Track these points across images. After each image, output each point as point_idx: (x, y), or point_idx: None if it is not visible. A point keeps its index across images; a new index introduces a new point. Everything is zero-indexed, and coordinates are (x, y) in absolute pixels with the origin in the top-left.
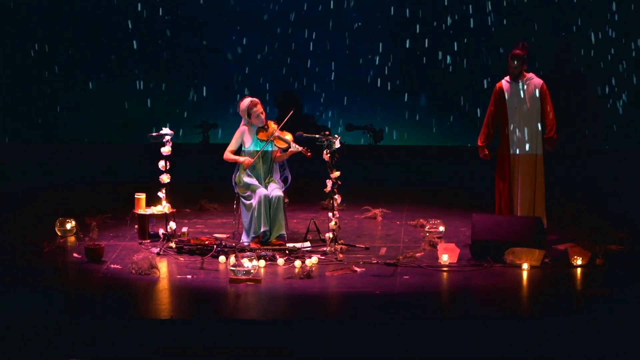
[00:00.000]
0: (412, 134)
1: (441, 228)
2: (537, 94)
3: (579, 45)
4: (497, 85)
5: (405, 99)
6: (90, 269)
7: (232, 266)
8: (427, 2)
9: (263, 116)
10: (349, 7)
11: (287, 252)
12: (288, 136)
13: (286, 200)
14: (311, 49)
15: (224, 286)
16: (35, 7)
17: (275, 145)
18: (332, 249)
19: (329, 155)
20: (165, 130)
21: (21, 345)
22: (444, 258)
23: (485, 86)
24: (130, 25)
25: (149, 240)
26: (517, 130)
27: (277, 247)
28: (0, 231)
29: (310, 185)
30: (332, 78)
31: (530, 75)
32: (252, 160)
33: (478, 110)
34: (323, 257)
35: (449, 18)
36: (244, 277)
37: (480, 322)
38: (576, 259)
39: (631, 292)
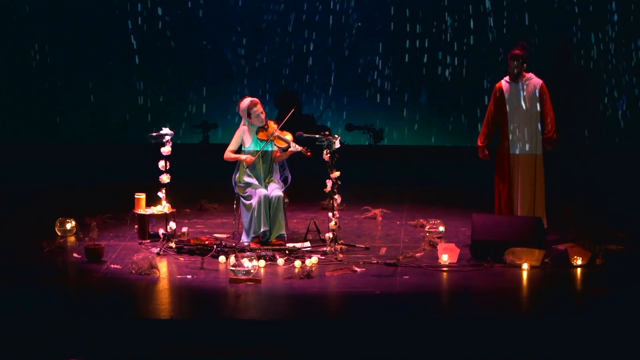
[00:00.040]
0: (412, 134)
1: (441, 228)
2: (537, 94)
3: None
4: (497, 85)
5: (405, 99)
6: (90, 269)
7: (232, 266)
8: (427, 2)
9: (263, 116)
10: (349, 7)
11: (287, 252)
12: (288, 136)
13: (286, 200)
14: (311, 48)
15: (224, 286)
16: (35, 7)
17: (275, 145)
18: (332, 249)
19: (329, 155)
20: (165, 130)
21: (21, 345)
22: (444, 258)
23: (485, 86)
24: (130, 25)
25: (149, 240)
26: (516, 130)
27: (277, 247)
28: (0, 231)
29: (310, 185)
30: (332, 78)
31: (530, 75)
32: (253, 158)
33: (478, 110)
34: (323, 257)
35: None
36: (244, 277)
37: (480, 322)
38: (576, 259)
39: (631, 292)
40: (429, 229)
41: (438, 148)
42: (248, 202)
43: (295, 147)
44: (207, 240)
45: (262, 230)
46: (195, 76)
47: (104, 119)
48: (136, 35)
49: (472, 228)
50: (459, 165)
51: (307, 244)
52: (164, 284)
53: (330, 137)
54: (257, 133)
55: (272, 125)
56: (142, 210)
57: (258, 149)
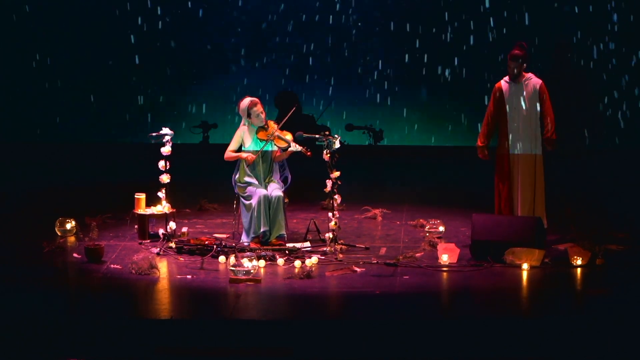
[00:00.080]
0: (412, 134)
1: (441, 228)
2: (536, 94)
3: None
4: (496, 85)
5: (406, 99)
6: (90, 269)
7: (232, 266)
8: (427, 2)
9: (263, 116)
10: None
11: (287, 252)
12: (288, 136)
13: (286, 200)
14: (311, 48)
15: (224, 286)
16: (35, 6)
17: (275, 144)
18: (332, 249)
19: (329, 155)
20: (165, 130)
21: (21, 345)
22: (444, 258)
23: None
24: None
25: (148, 240)
26: (516, 130)
27: (277, 247)
28: (0, 231)
29: (310, 185)
30: (332, 78)
31: (530, 75)
32: (254, 156)
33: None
34: (323, 257)
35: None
36: (244, 277)
37: (480, 322)
38: (576, 259)
39: (631, 292)
40: (429, 229)
41: (438, 148)
42: (248, 202)
43: (295, 147)
44: (207, 240)
45: (262, 230)
46: (195, 76)
47: (104, 119)
48: (136, 35)
49: (472, 228)
50: (459, 165)
51: (307, 244)
52: (164, 284)
53: (330, 137)
54: (257, 133)
55: (272, 125)
56: (142, 210)
57: (258, 148)
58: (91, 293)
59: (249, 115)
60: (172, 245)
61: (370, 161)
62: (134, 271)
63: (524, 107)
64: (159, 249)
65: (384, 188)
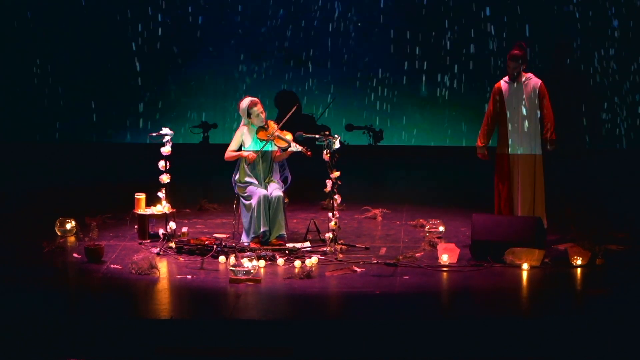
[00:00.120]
0: (412, 134)
1: (441, 228)
2: (536, 94)
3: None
4: (496, 85)
5: (406, 99)
6: (90, 269)
7: (232, 266)
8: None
9: (263, 115)
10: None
11: (287, 252)
12: (288, 136)
13: (286, 200)
14: (311, 48)
15: (224, 286)
16: (35, 7)
17: (275, 144)
18: (332, 249)
19: (328, 155)
20: (165, 130)
21: (21, 345)
22: (444, 258)
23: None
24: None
25: (148, 240)
26: (516, 131)
27: (277, 247)
28: (0, 231)
29: (310, 185)
30: (332, 78)
31: (529, 75)
32: (255, 154)
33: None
34: (323, 257)
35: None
36: (244, 277)
37: (480, 322)
38: (576, 259)
39: (631, 292)
40: (429, 229)
41: (438, 148)
42: (248, 202)
43: (295, 147)
44: (207, 240)
45: (261, 230)
46: (195, 76)
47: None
48: (136, 35)
49: (472, 228)
50: (459, 165)
51: (307, 244)
52: (164, 284)
53: (330, 137)
54: (257, 133)
55: (272, 125)
56: (142, 210)
57: (258, 148)
58: (91, 293)
59: (248, 115)
60: (172, 245)
61: (370, 161)
62: (134, 271)
63: (523, 107)
64: (159, 249)
65: (384, 188)
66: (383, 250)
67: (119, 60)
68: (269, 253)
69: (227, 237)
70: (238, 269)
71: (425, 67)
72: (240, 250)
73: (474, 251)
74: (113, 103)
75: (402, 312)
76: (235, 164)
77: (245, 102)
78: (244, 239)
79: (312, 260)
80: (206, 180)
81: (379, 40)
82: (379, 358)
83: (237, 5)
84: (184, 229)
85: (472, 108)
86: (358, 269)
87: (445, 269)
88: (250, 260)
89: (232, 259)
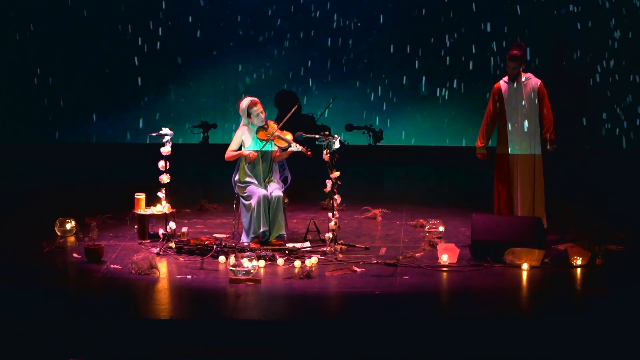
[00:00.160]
0: (412, 134)
1: (441, 228)
2: (535, 94)
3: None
4: (495, 85)
5: (406, 99)
6: (90, 269)
7: (232, 266)
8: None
9: (263, 115)
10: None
11: (286, 252)
12: (288, 136)
13: (286, 200)
14: (311, 48)
15: (223, 286)
16: (35, 6)
17: (275, 144)
18: (332, 249)
19: (328, 155)
20: (165, 130)
21: (21, 345)
22: (444, 258)
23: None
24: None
25: (148, 240)
26: (515, 131)
27: (277, 247)
28: (0, 231)
29: (310, 185)
30: (332, 78)
31: (528, 75)
32: (256, 153)
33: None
34: (323, 257)
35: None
36: (243, 277)
37: (480, 322)
38: (576, 259)
39: (631, 292)
40: (428, 229)
41: (438, 148)
42: (248, 202)
43: (295, 147)
44: (207, 240)
45: (261, 230)
46: (194, 76)
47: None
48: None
49: (472, 228)
50: (459, 165)
51: (307, 244)
52: (163, 284)
53: (330, 137)
54: (257, 133)
55: (272, 124)
56: (142, 210)
57: (258, 148)
58: (91, 293)
59: (248, 115)
60: (172, 245)
61: (370, 161)
62: (134, 271)
63: (523, 107)
64: (158, 249)
65: (384, 188)
66: (383, 250)
67: (119, 60)
68: (269, 253)
69: (227, 237)
70: (238, 269)
71: (425, 67)
72: (240, 250)
73: (474, 251)
74: (113, 103)
75: (402, 312)
76: (235, 164)
77: (245, 102)
78: (244, 239)
79: (312, 260)
80: (206, 180)
81: (379, 40)
82: (379, 358)
83: (237, 5)
84: (184, 229)
85: (472, 108)
86: (358, 269)
87: (445, 269)
88: (250, 260)
89: (232, 259)
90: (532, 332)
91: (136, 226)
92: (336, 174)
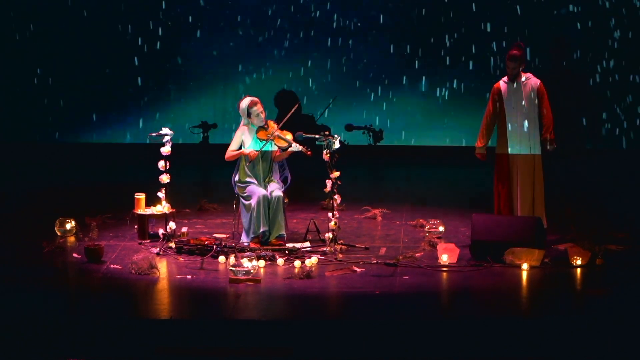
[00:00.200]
0: (412, 133)
1: (441, 228)
2: (535, 94)
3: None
4: (495, 85)
5: (405, 99)
6: (90, 269)
7: (232, 266)
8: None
9: (263, 115)
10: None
11: (286, 252)
12: (288, 136)
13: (286, 200)
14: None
15: (223, 286)
16: (35, 6)
17: (275, 144)
18: (332, 249)
19: (328, 155)
20: (165, 130)
21: (21, 345)
22: (444, 258)
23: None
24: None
25: (148, 241)
26: (515, 131)
27: (277, 247)
28: (0, 231)
29: (310, 185)
30: (332, 78)
31: (528, 75)
32: (257, 152)
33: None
34: (323, 257)
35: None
36: (243, 277)
37: (480, 322)
38: (576, 259)
39: (631, 292)
40: (428, 229)
41: (438, 148)
42: (247, 202)
43: (295, 147)
44: (206, 240)
45: (261, 230)
46: (194, 76)
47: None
48: (136, 35)
49: (472, 228)
50: (459, 165)
51: (307, 244)
52: (163, 284)
53: (330, 137)
54: (257, 132)
55: (272, 124)
56: (142, 210)
57: (258, 148)
58: (91, 293)
59: (248, 115)
60: (172, 245)
61: (370, 161)
62: (133, 271)
63: (522, 107)
64: (158, 249)
65: (384, 188)
66: (383, 250)
67: (119, 60)
68: (269, 253)
69: (227, 237)
70: (238, 269)
71: (425, 67)
72: (240, 250)
73: (474, 251)
74: (113, 103)
75: (402, 312)
76: (235, 163)
77: (245, 101)
78: (244, 239)
79: (311, 260)
80: (206, 180)
81: (378, 40)
82: (379, 358)
83: (237, 5)
84: (184, 229)
85: (472, 108)
86: (358, 269)
87: (445, 269)
88: (250, 260)
89: (232, 259)
90: (532, 332)
91: (136, 226)
92: (336, 174)
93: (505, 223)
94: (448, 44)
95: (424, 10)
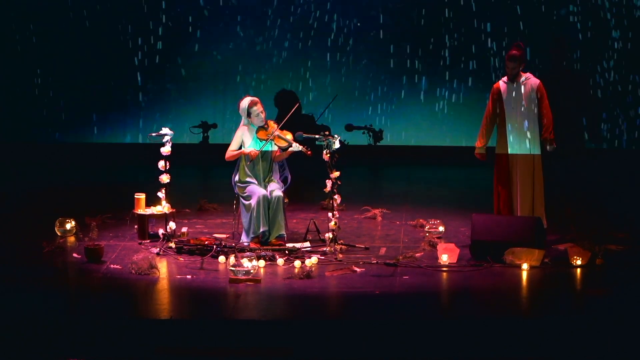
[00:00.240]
0: (412, 133)
1: (441, 228)
2: (534, 94)
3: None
4: (495, 86)
5: (405, 99)
6: (90, 269)
7: (232, 266)
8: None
9: (263, 115)
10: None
11: (286, 252)
12: (288, 135)
13: (286, 200)
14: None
15: (223, 286)
16: (35, 6)
17: (275, 144)
18: (332, 249)
19: (328, 155)
20: (165, 130)
21: (21, 345)
22: (444, 258)
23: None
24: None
25: (148, 241)
26: (515, 131)
27: (277, 247)
28: (0, 231)
29: (310, 185)
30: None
31: (528, 75)
32: (257, 151)
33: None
34: (323, 257)
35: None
36: (243, 277)
37: (480, 322)
38: (576, 259)
39: (631, 292)
40: (428, 229)
41: (438, 148)
42: (247, 202)
43: (295, 147)
44: (206, 240)
45: (261, 230)
46: (195, 76)
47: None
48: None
49: (472, 228)
50: (459, 165)
51: (307, 244)
52: (163, 284)
53: (329, 137)
54: (257, 132)
55: (272, 124)
56: (142, 210)
57: (258, 148)
58: (91, 293)
59: (248, 115)
60: (172, 245)
61: (370, 161)
62: (133, 271)
63: (522, 107)
64: (158, 249)
65: (384, 188)
66: (383, 250)
67: (119, 60)
68: (269, 253)
69: (227, 237)
70: (238, 269)
71: (425, 67)
72: (240, 250)
73: (474, 251)
74: (113, 103)
75: (402, 312)
76: (235, 163)
77: (245, 101)
78: (244, 239)
79: (311, 260)
80: (206, 180)
81: (379, 40)
82: (379, 358)
83: (237, 6)
84: (184, 229)
85: (472, 108)
86: (358, 269)
87: (445, 269)
88: (250, 260)
89: (232, 259)
90: (532, 332)
91: (136, 226)
92: (336, 174)
93: (505, 223)
94: (448, 44)
95: (424, 10)
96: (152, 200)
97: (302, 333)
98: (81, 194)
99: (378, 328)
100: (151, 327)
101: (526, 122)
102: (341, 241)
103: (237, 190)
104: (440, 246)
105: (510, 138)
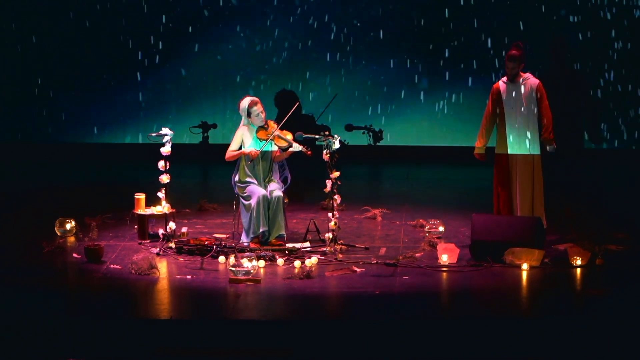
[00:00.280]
0: (412, 134)
1: (441, 228)
2: (534, 94)
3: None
4: (494, 86)
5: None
6: (90, 269)
7: (232, 266)
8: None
9: (263, 115)
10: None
11: (286, 252)
12: (288, 135)
13: (286, 200)
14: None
15: (223, 286)
16: (35, 6)
17: (275, 144)
18: (332, 249)
19: (328, 155)
20: (165, 130)
21: (21, 345)
22: (444, 258)
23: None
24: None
25: (148, 241)
26: (514, 131)
27: (277, 247)
28: (0, 231)
29: (310, 185)
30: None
31: (527, 75)
32: (258, 151)
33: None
34: (323, 257)
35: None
36: (243, 277)
37: (480, 322)
38: (576, 259)
39: (631, 292)
40: (428, 229)
41: (438, 148)
42: (247, 202)
43: (295, 147)
44: (206, 240)
45: (261, 230)
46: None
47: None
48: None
49: (472, 228)
50: (459, 165)
51: (307, 244)
52: (163, 284)
53: (329, 137)
54: (257, 132)
55: (272, 124)
56: (142, 210)
57: (258, 148)
58: (91, 293)
59: (248, 115)
60: (172, 245)
61: (370, 161)
62: (133, 271)
63: (521, 108)
64: (158, 249)
65: (384, 188)
66: (383, 250)
67: (119, 60)
68: (269, 253)
69: (227, 237)
70: (238, 269)
71: (425, 67)
72: (240, 251)
73: (474, 251)
74: (113, 103)
75: (402, 312)
76: (235, 163)
77: (245, 101)
78: (244, 239)
79: (311, 261)
80: (206, 180)
81: (379, 40)
82: (379, 358)
83: (237, 6)
84: (184, 229)
85: (471, 108)
86: (358, 269)
87: (445, 269)
88: (250, 260)
89: (231, 259)
90: (532, 332)
91: (136, 226)
92: (336, 174)
93: (505, 223)
94: (448, 45)
95: (424, 10)
96: (152, 201)
97: (302, 333)
98: (81, 194)
99: (378, 328)
100: (151, 327)
101: (525, 122)
102: (341, 241)
103: (237, 190)
104: (440, 246)
105: (510, 138)
